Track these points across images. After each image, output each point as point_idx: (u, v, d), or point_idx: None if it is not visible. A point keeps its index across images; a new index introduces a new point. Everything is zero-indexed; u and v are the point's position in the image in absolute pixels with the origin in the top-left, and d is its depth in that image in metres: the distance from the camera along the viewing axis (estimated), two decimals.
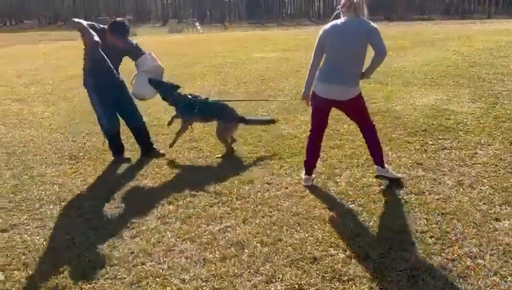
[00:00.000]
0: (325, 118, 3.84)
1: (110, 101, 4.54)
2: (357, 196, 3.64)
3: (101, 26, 4.39)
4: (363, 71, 3.62)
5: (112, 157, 4.77)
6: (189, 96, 4.78)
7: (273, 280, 2.64)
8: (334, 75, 3.55)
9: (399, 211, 3.37)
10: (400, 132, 5.14)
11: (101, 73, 4.36)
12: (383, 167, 3.87)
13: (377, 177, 3.91)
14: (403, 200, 3.51)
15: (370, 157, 4.02)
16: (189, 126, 4.86)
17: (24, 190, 4.07)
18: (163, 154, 4.78)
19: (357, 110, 3.78)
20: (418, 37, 14.76)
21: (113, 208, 3.64)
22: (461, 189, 3.67)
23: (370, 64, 3.56)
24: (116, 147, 4.78)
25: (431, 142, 4.74)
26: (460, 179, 3.85)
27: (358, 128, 3.93)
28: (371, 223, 3.22)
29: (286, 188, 3.86)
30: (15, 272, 2.81)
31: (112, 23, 4.42)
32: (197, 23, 36.87)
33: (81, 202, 3.80)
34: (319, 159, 4.20)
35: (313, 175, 3.98)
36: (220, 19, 50.63)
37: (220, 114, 4.73)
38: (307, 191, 3.77)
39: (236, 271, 2.73)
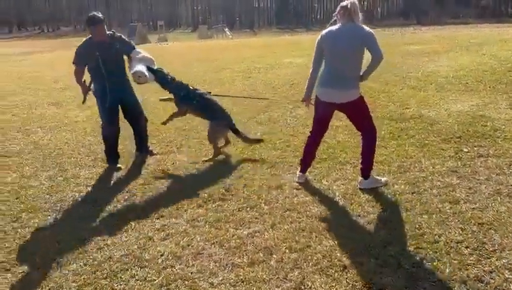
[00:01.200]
0: (326, 122, 3.94)
1: (114, 105, 4.65)
2: (389, 204, 3.55)
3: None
4: (361, 74, 3.65)
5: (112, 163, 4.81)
6: (190, 87, 4.85)
7: (302, 287, 2.60)
8: (332, 79, 3.64)
9: (433, 220, 3.26)
10: (434, 138, 5.00)
11: (101, 78, 4.54)
12: (366, 178, 3.82)
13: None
14: (437, 209, 3.41)
15: (402, 164, 3.93)
16: (184, 115, 4.94)
17: (59, 191, 4.19)
18: (156, 154, 5.02)
19: (357, 113, 3.79)
20: (452, 41, 14.39)
21: (143, 210, 3.69)
22: (499, 198, 3.52)
23: (367, 68, 3.61)
24: (111, 153, 4.83)
25: (466, 150, 4.59)
26: (498, 188, 3.70)
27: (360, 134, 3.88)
28: (403, 232, 3.13)
29: (315, 194, 3.82)
30: (50, 271, 2.89)
31: (86, 20, 4.52)
32: (227, 29, 37.27)
33: (113, 203, 3.87)
34: (350, 166, 4.19)
35: (307, 173, 4.10)
36: (249, 25, 51.01)
37: (213, 115, 4.79)
38: (337, 197, 3.72)
39: (264, 277, 2.71)
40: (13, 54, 22.01)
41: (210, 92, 5.00)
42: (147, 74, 4.53)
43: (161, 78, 4.75)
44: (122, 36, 4.70)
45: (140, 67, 4.52)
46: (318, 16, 53.04)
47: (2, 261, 3.00)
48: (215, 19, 52.68)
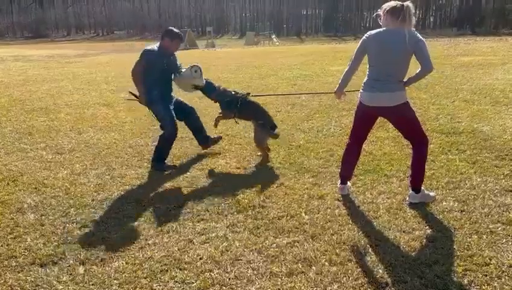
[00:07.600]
0: (366, 129, 3.82)
1: (172, 107, 4.98)
2: (436, 221, 3.40)
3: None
4: (404, 80, 3.50)
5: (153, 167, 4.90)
6: (232, 92, 5.05)
7: None
8: (377, 82, 3.49)
9: (483, 241, 3.09)
10: (487, 154, 4.75)
11: (161, 84, 4.85)
12: (417, 192, 3.64)
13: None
14: (488, 230, 3.22)
15: (452, 180, 3.75)
16: (230, 118, 5.11)
17: (106, 189, 4.33)
18: (220, 137, 5.39)
19: (403, 120, 3.61)
20: (509, 53, 13.69)
21: (185, 212, 3.75)
22: None
23: (414, 76, 3.45)
24: (167, 154, 4.96)
25: None
26: None
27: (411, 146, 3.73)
28: (450, 252, 2.98)
29: (358, 207, 3.72)
30: (93, 267, 2.98)
31: (168, 31, 4.85)
32: (274, 36, 37.43)
33: (156, 204, 3.95)
34: (396, 180, 4.05)
35: (349, 183, 3.97)
36: (297, 32, 50.99)
37: (258, 117, 4.93)
38: (380, 211, 3.61)
39: (302, 288, 2.66)
40: (70, 55, 23.19)
41: (249, 93, 5.15)
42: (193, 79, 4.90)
43: (207, 86, 5.02)
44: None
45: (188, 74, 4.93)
46: (367, 24, 52.16)
47: (50, 254, 3.13)
48: (263, 25, 53.04)
